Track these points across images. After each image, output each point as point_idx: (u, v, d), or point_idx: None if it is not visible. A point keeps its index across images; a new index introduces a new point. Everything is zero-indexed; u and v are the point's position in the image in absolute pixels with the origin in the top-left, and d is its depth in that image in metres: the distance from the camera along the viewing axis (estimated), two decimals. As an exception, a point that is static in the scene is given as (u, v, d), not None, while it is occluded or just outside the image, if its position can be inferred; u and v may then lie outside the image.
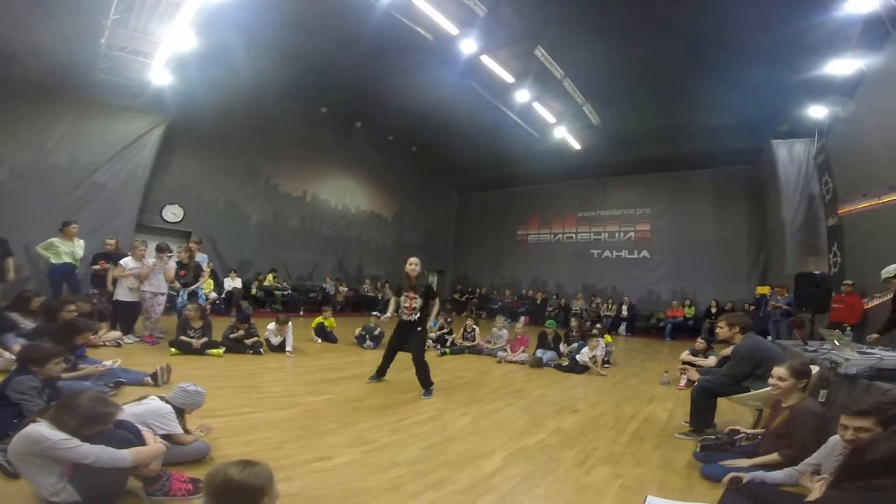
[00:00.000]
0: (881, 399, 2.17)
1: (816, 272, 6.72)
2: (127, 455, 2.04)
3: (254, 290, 12.07)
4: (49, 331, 3.78)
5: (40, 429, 1.93)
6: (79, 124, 9.89)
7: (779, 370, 2.89)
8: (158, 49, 8.69)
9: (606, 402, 5.24)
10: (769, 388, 3.08)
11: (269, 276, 12.87)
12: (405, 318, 5.16)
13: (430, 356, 7.68)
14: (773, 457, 2.82)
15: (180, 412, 2.78)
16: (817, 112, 10.01)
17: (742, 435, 3.13)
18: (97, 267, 6.89)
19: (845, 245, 8.63)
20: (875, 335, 4.01)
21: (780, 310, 8.88)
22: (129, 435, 2.20)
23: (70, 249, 7.04)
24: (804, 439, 2.67)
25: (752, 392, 3.54)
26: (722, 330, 3.95)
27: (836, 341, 3.61)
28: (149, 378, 4.28)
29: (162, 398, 2.74)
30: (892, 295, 4.60)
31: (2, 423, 2.45)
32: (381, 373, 5.40)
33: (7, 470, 2.24)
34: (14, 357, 4.16)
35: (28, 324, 5.16)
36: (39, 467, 1.94)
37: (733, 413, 4.45)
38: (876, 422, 2.06)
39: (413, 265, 5.18)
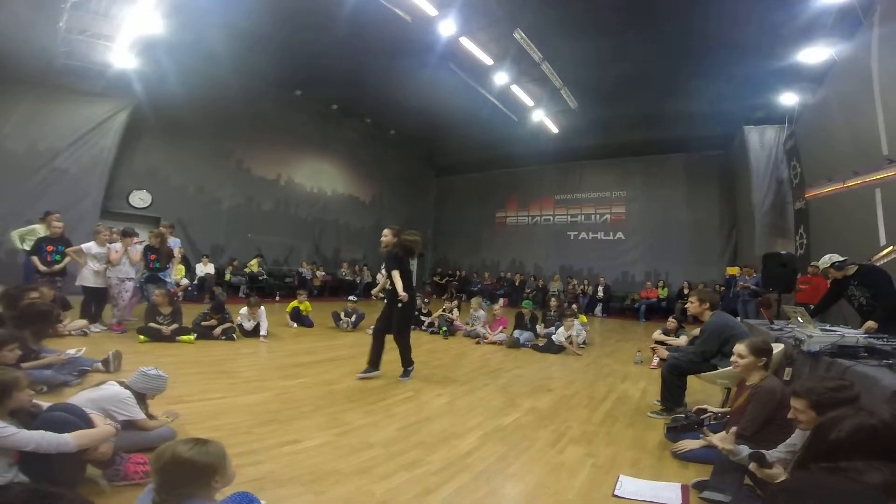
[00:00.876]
0: (816, 384, 2.19)
1: (783, 252, 6.90)
2: (69, 439, 1.94)
3: (227, 276, 11.81)
4: (11, 318, 3.60)
5: None
6: (37, 109, 9.49)
7: (739, 347, 2.92)
8: (120, 32, 8.37)
9: (581, 381, 5.32)
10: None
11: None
12: (381, 296, 4.94)
13: (431, 339, 7.80)
14: (722, 435, 2.83)
15: (141, 397, 2.69)
16: (788, 99, 10.22)
17: (710, 414, 3.19)
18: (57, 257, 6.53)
19: (811, 227, 8.90)
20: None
21: (748, 290, 9.13)
22: (72, 418, 2.11)
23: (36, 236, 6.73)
24: (754, 414, 2.66)
25: (719, 370, 3.61)
26: (692, 305, 4.02)
27: (799, 318, 3.71)
28: (99, 364, 4.15)
29: (122, 383, 2.65)
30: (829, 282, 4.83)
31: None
32: (374, 364, 4.88)
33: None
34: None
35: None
36: None
37: (703, 392, 4.56)
38: (807, 404, 2.04)
39: (383, 236, 4.99)
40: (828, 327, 3.86)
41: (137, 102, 10.55)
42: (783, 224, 10.58)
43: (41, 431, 1.90)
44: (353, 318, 8.17)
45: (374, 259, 16.57)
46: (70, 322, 5.77)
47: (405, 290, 4.75)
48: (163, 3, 7.90)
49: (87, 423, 2.14)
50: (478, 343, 7.70)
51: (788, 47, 8.54)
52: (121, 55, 8.98)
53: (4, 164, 9.14)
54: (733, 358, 2.93)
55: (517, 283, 16.08)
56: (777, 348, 3.59)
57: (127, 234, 6.43)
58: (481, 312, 8.54)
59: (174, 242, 7.86)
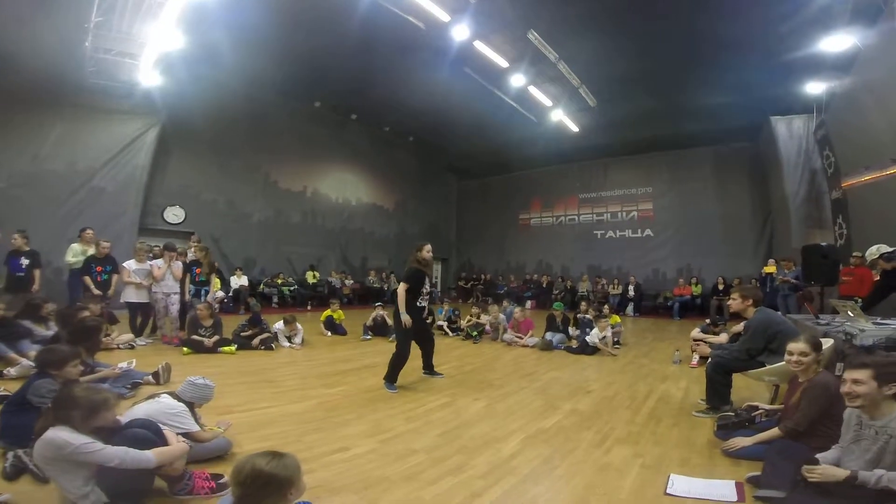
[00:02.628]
0: (882, 357, 2.17)
1: (823, 244, 6.66)
2: (151, 456, 2.04)
3: (261, 287, 12.18)
4: (68, 335, 3.80)
5: (62, 434, 1.93)
6: (73, 128, 9.85)
7: (798, 346, 2.83)
8: (145, 50, 8.58)
9: (619, 382, 5.26)
10: (784, 363, 3.05)
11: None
12: (422, 304, 4.95)
13: (461, 343, 7.87)
14: (774, 431, 2.81)
15: (191, 406, 2.78)
16: (814, 88, 9.97)
17: (761, 411, 3.12)
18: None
19: (850, 217, 8.60)
20: None
21: (787, 284, 8.84)
22: (150, 435, 2.22)
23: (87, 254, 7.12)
24: (808, 411, 2.63)
25: (767, 367, 3.53)
26: (735, 302, 3.92)
27: (850, 312, 3.59)
28: (150, 377, 4.31)
29: (171, 394, 2.75)
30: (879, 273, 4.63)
31: (25, 428, 2.44)
32: (428, 368, 5.26)
33: (37, 474, 2.26)
34: (31, 363, 4.22)
35: (41, 330, 5.21)
36: (65, 471, 1.94)
37: (749, 389, 4.45)
38: (872, 375, 2.08)
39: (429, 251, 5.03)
40: (879, 320, 3.73)
41: (166, 119, 10.87)
42: (820, 215, 10.25)
43: (125, 448, 1.99)
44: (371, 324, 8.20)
45: (400, 266, 16.70)
46: (118, 336, 6.02)
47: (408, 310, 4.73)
48: (183, 20, 8.01)
49: (162, 438, 2.24)
50: (509, 346, 7.70)
51: (808, 36, 8.33)
52: (146, 73, 9.20)
53: (46, 183, 9.49)
54: (793, 358, 2.83)
55: (545, 285, 15.97)
56: (826, 343, 3.49)
57: (169, 250, 6.66)
58: (502, 316, 8.52)
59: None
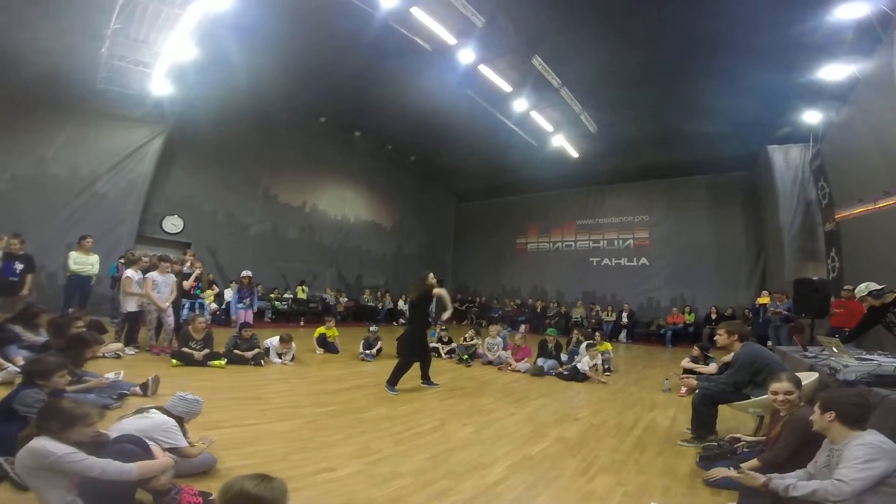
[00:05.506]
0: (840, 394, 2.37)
1: (815, 278, 6.74)
2: (133, 468, 2.05)
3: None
4: (59, 345, 3.80)
5: (45, 443, 1.95)
6: (78, 133, 9.91)
7: (783, 385, 2.88)
8: (159, 59, 8.68)
9: (608, 410, 5.25)
10: (768, 396, 3.09)
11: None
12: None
13: (453, 367, 7.87)
14: (753, 462, 2.84)
15: (180, 421, 2.79)
16: (812, 117, 10.07)
17: (743, 443, 3.14)
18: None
19: (843, 250, 8.67)
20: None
21: (779, 315, 8.90)
22: (136, 448, 2.23)
23: (86, 262, 7.21)
24: (787, 443, 2.69)
25: (753, 399, 3.56)
26: (721, 337, 3.99)
27: (834, 348, 3.64)
28: (137, 388, 4.29)
29: (160, 408, 2.76)
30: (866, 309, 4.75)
31: (10, 437, 2.45)
32: (426, 378, 6.00)
33: (17, 482, 2.25)
34: (17, 369, 4.20)
35: (30, 336, 5.18)
36: (46, 480, 1.95)
37: (735, 419, 4.46)
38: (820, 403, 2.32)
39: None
40: (864, 355, 3.77)
41: (171, 129, 10.96)
42: (813, 247, 10.32)
43: (107, 459, 2.00)
44: (375, 350, 8.12)
45: (396, 285, 16.71)
46: (105, 345, 5.98)
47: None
48: (197, 31, 8.13)
49: (148, 453, 2.25)
50: (500, 370, 7.68)
51: (807, 64, 8.48)
52: (157, 82, 9.31)
53: (48, 187, 9.52)
54: (780, 396, 2.87)
55: (539, 310, 15.96)
56: (811, 377, 3.53)
57: (165, 261, 6.72)
58: (499, 339, 8.50)
59: None
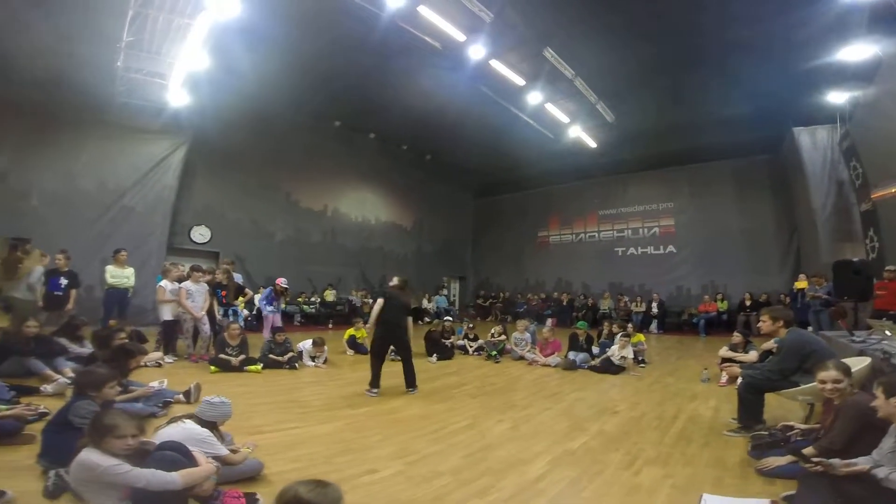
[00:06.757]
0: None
1: (855, 259, 6.49)
2: (176, 478, 2.10)
3: (283, 305, 12.34)
4: (104, 356, 3.92)
5: (91, 455, 2.01)
6: (103, 148, 10.10)
7: (830, 374, 2.79)
8: (174, 70, 8.78)
9: (646, 402, 5.16)
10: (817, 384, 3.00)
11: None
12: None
13: (482, 363, 7.84)
14: (809, 450, 2.75)
15: (213, 426, 2.81)
16: (837, 98, 9.81)
17: (796, 430, 3.04)
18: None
19: (882, 229, 8.36)
20: None
21: (819, 299, 8.60)
22: (178, 456, 2.27)
23: (122, 275, 7.43)
24: (842, 430, 2.62)
25: (802, 387, 3.44)
26: (765, 324, 3.86)
27: (887, 331, 3.49)
28: (181, 396, 4.39)
29: (192, 416, 2.79)
30: None
31: (66, 447, 2.53)
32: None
33: (78, 494, 2.31)
34: (67, 380, 4.36)
35: (76, 348, 5.38)
36: (97, 492, 2.01)
37: (782, 407, 4.32)
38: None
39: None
40: (918, 338, 3.62)
41: (192, 139, 11.11)
42: (849, 227, 9.96)
43: (152, 470, 2.05)
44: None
45: (418, 284, 16.73)
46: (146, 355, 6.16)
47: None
48: (209, 41, 8.19)
49: (191, 459, 2.29)
50: (530, 365, 7.62)
51: (826, 45, 8.27)
52: (174, 93, 9.42)
53: (78, 202, 9.74)
54: (829, 385, 2.79)
55: (565, 303, 15.81)
56: (863, 362, 3.40)
57: (197, 270, 6.88)
58: (527, 335, 8.44)
59: (236, 278, 8.31)
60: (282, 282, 7.94)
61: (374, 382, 5.29)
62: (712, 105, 11.77)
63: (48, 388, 4.37)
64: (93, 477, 1.99)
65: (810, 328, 8.33)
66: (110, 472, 1.98)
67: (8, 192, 9.04)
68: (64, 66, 8.91)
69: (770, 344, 5.12)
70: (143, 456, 2.19)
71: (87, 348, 5.47)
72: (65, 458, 2.45)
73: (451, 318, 10.19)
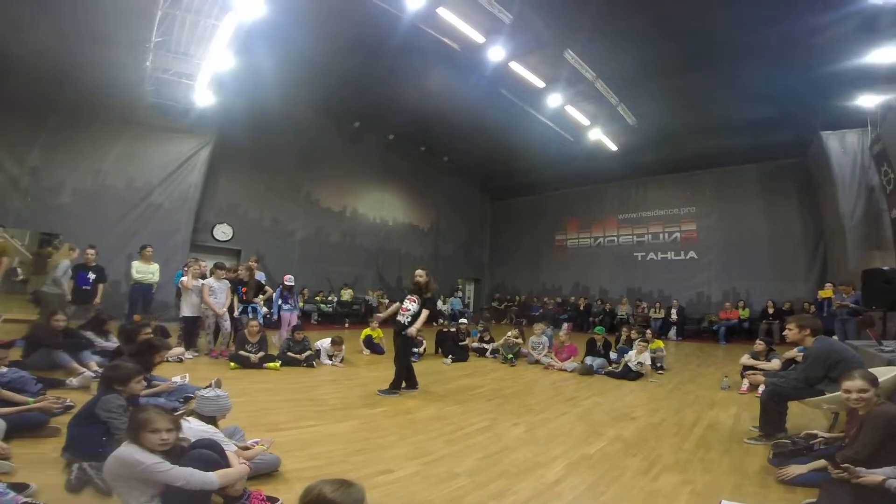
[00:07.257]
0: None
1: (885, 268, 6.31)
2: (214, 478, 2.14)
3: (301, 303, 12.49)
4: (130, 351, 4.01)
5: (133, 452, 2.03)
6: (131, 146, 10.38)
7: (855, 383, 2.72)
8: (201, 70, 8.97)
9: (665, 409, 5.09)
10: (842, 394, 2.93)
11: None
12: (399, 317, 5.48)
13: (497, 366, 7.82)
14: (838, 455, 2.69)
15: (213, 421, 2.82)
16: (867, 101, 9.58)
17: (820, 439, 2.98)
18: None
19: (915, 237, 8.11)
20: None
21: (846, 308, 8.36)
22: (215, 456, 2.31)
23: (147, 270, 7.67)
24: (869, 440, 2.57)
25: (828, 395, 3.36)
26: (791, 332, 3.77)
27: (918, 341, 3.39)
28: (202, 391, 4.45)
29: (191, 413, 2.80)
30: None
31: (92, 442, 2.62)
32: (395, 386, 5.39)
33: (100, 487, 2.37)
34: (92, 373, 4.48)
35: (102, 342, 5.53)
36: (132, 488, 2.04)
37: (804, 416, 4.22)
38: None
39: (419, 276, 5.63)
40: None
41: (217, 139, 11.35)
42: (879, 234, 9.68)
43: (190, 469, 2.09)
44: (422, 349, 8.29)
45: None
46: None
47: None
48: (235, 41, 8.36)
49: (225, 459, 2.34)
50: (546, 369, 7.57)
51: (854, 48, 8.11)
52: (201, 93, 9.64)
53: (106, 199, 10.03)
54: (854, 395, 2.72)
55: (581, 308, 15.65)
56: (891, 372, 3.31)
57: (220, 268, 7.02)
58: (544, 338, 8.38)
59: (260, 276, 8.44)
60: (287, 279, 8.01)
61: (410, 384, 5.48)
62: (737, 107, 11.52)
63: (73, 381, 4.47)
64: (132, 473, 2.01)
65: (835, 337, 8.11)
66: (152, 470, 2.00)
67: (39, 188, 9.33)
68: (95, 66, 9.16)
69: (793, 353, 5.01)
70: (179, 453, 2.22)
71: (113, 342, 5.63)
72: (89, 452, 2.54)
73: (465, 321, 10.15)
